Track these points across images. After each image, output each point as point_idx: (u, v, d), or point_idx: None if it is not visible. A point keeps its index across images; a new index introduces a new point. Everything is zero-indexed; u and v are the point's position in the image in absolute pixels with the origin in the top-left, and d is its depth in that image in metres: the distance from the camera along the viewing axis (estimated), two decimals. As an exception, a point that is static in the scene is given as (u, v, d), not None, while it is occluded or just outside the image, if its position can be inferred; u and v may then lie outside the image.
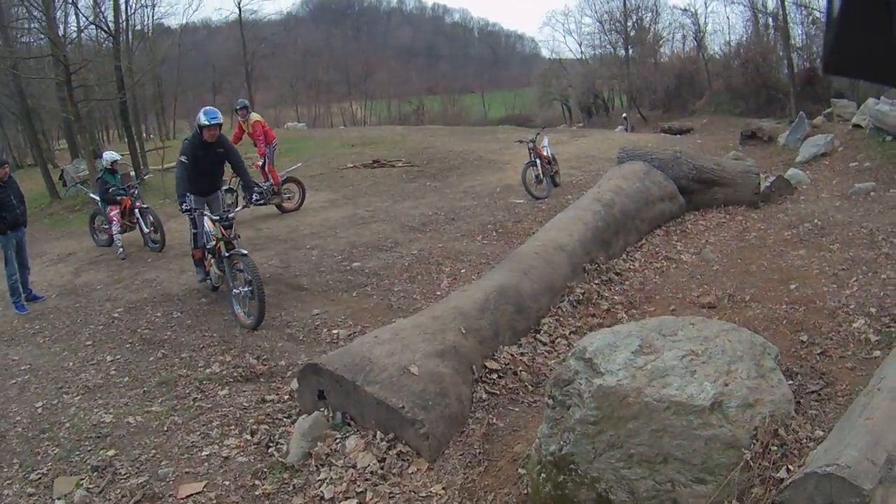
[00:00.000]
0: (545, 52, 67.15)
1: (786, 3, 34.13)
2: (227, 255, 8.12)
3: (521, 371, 5.74)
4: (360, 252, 10.35)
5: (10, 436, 5.81)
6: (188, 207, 8.35)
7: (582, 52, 55.15)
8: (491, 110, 70.51)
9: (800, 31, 39.27)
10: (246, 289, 7.90)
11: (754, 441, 3.26)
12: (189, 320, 8.21)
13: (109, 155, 12.42)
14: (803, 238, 9.26)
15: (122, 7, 22.58)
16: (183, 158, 8.45)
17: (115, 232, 11.49)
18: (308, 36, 64.53)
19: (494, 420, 5.02)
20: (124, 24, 23.20)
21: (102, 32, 21.82)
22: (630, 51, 47.91)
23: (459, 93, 74.18)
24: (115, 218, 11.53)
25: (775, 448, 3.26)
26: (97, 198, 12.11)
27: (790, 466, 3.21)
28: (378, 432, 4.73)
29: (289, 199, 13.68)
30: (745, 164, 12.75)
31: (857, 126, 17.81)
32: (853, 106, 20.34)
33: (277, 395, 6.12)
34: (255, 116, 13.56)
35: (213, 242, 8.35)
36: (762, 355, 3.69)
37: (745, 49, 41.23)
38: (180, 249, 11.25)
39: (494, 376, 5.60)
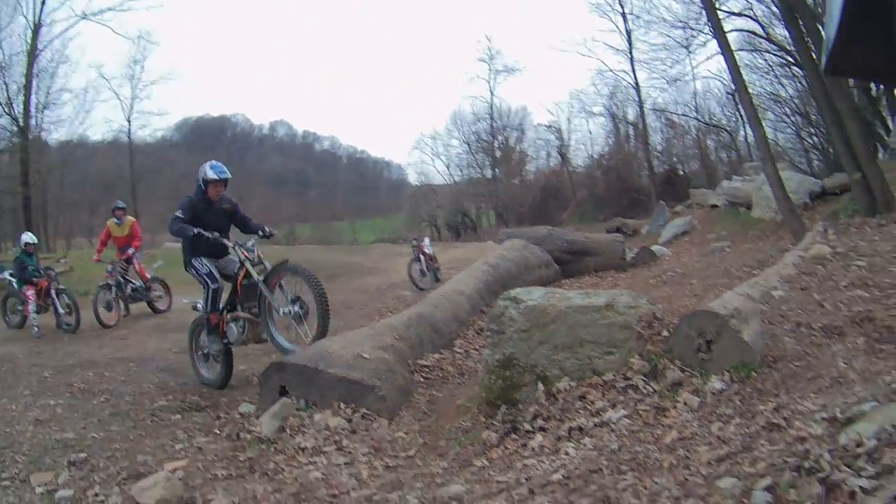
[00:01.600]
0: (413, 177, 68.89)
1: (644, 112, 37.41)
2: (261, 279, 7.21)
3: (446, 366, 6.89)
4: (267, 329, 10.95)
5: (-37, 456, 5.73)
6: (198, 232, 7.35)
7: (450, 173, 56.88)
8: (361, 235, 71.42)
9: (659, 138, 42.99)
10: (294, 308, 7.09)
11: (641, 321, 4.68)
12: (122, 378, 8.36)
13: (27, 237, 12.85)
14: (667, 281, 10.91)
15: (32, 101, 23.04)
16: (179, 213, 7.51)
17: (31, 311, 11.74)
18: (182, 160, 64.66)
19: (434, 392, 6.07)
20: (33, 120, 23.44)
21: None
22: (497, 170, 49.99)
23: (329, 220, 75.08)
24: (30, 297, 11.84)
25: (656, 323, 4.63)
26: (12, 279, 12.38)
27: (668, 330, 4.53)
28: (342, 403, 5.60)
29: (159, 297, 14.08)
30: (612, 235, 14.67)
31: (714, 206, 20.12)
32: (711, 193, 22.66)
33: (229, 415, 6.62)
34: (130, 218, 14.28)
35: (217, 289, 7.61)
36: (636, 297, 5.10)
37: (607, 158, 44.52)
38: (93, 332, 11.61)
39: (426, 370, 6.69)
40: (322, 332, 6.89)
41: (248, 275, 7.36)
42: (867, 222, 9.40)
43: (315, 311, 6.92)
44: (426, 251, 15.46)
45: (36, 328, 11.60)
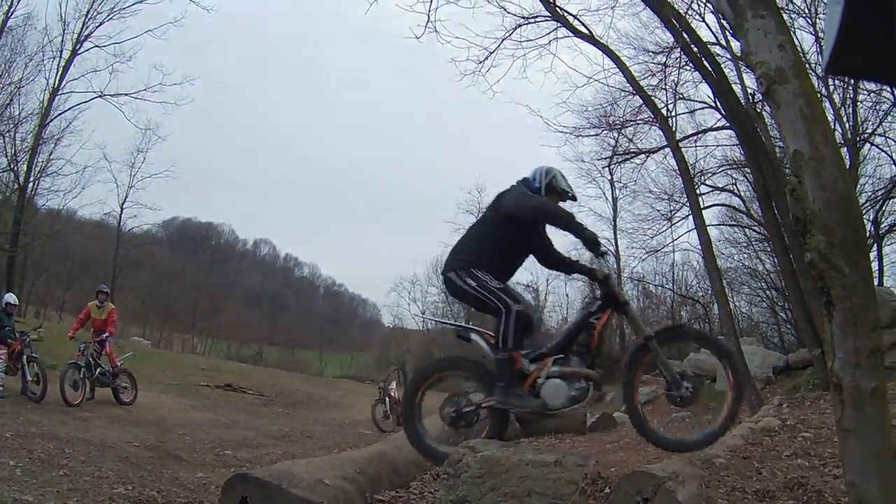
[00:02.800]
0: (387, 319, 68.62)
1: (622, 281, 38.04)
2: (652, 333, 5.33)
3: (401, 504, 7.10)
4: (229, 445, 11.04)
5: None
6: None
7: (424, 320, 56.76)
8: (327, 368, 70.49)
9: (634, 306, 43.04)
10: (685, 388, 5.28)
11: (586, 478, 5.03)
12: (82, 457, 8.29)
13: (9, 297, 13.27)
14: (624, 447, 10.88)
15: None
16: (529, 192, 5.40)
17: None
18: (164, 259, 64.73)
19: (382, 525, 6.29)
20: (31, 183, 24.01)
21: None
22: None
23: (298, 347, 74.63)
24: (1, 357, 11.97)
25: (600, 481, 4.98)
26: None
27: (611, 487, 4.88)
28: (300, 523, 5.88)
29: (125, 388, 14.20)
30: (573, 400, 14.92)
31: (681, 377, 20.43)
32: (679, 363, 22.96)
33: (187, 514, 6.70)
34: (111, 304, 14.75)
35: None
36: (585, 458, 5.48)
37: (579, 322, 44.46)
38: (56, 407, 11.71)
39: (382, 505, 6.93)
40: (731, 421, 5.28)
41: (609, 320, 5.43)
42: (823, 396, 9.81)
43: (727, 396, 5.24)
44: (392, 394, 16.00)
45: (1, 387, 11.69)
